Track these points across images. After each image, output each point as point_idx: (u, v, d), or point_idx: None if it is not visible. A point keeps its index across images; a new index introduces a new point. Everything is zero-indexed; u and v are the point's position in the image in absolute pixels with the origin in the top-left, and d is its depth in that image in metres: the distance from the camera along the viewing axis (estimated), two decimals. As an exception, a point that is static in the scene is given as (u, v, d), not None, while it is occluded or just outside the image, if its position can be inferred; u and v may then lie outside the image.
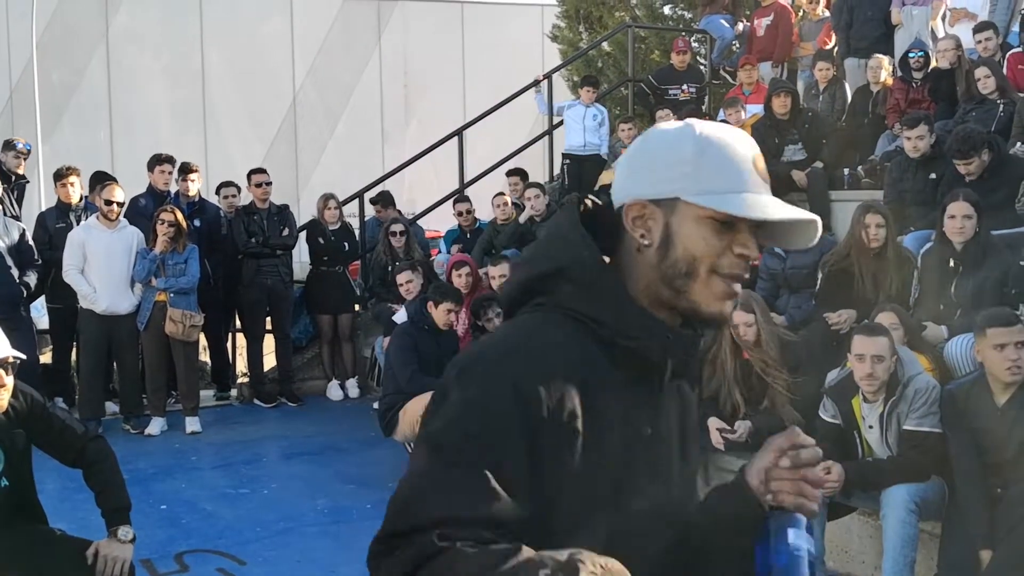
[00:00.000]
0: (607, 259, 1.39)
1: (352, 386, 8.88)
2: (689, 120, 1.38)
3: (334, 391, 8.85)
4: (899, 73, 8.65)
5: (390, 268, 8.69)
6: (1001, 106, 7.22)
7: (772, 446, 1.37)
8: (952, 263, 5.35)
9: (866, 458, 4.42)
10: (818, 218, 1.35)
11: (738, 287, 1.36)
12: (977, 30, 8.02)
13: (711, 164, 1.32)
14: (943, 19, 9.25)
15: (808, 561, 1.35)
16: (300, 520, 5.71)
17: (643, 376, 1.37)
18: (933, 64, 8.27)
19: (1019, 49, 7.70)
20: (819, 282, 5.94)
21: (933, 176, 6.65)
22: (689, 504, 1.46)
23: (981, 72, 7.34)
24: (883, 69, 8.75)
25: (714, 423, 5.27)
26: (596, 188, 9.50)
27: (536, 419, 1.24)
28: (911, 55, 8.33)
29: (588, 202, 1.43)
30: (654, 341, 1.34)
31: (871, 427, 4.37)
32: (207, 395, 8.54)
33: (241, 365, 9.29)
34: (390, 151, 21.39)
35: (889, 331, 4.37)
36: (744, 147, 1.35)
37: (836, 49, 9.77)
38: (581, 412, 1.27)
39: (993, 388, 4.09)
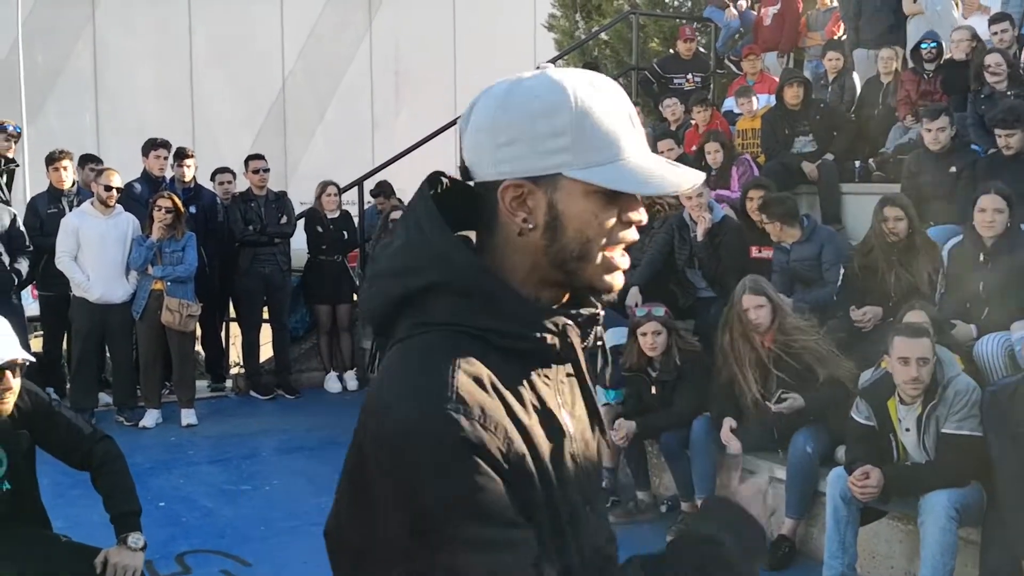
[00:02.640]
0: (475, 244, 1.25)
1: (351, 378, 8.68)
2: (550, 72, 1.21)
3: (332, 383, 8.65)
4: (910, 64, 8.51)
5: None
6: (1012, 96, 7.06)
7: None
8: (981, 258, 5.19)
9: (903, 462, 4.27)
10: (700, 176, 1.24)
11: (626, 257, 1.25)
12: (993, 21, 7.87)
13: (592, 132, 1.17)
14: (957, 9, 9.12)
15: None
16: (305, 519, 5.50)
17: (543, 368, 1.25)
18: (946, 55, 8.13)
19: (1037, 40, 7.56)
20: (841, 278, 5.78)
21: (953, 169, 6.50)
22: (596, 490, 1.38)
23: (992, 59, 7.19)
24: (893, 60, 8.60)
25: (727, 424, 5.11)
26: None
27: (494, 462, 1.13)
28: (923, 46, 8.17)
29: (443, 180, 1.27)
30: (554, 335, 1.23)
31: (908, 430, 4.22)
32: (201, 386, 8.31)
33: (234, 355, 9.08)
34: (380, 139, 21.12)
35: (929, 331, 4.22)
36: (620, 102, 1.21)
37: (845, 39, 9.60)
38: (517, 433, 1.16)
39: (1038, 391, 3.94)
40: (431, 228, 1.21)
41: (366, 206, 9.50)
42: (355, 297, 8.95)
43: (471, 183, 1.26)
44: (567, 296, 1.29)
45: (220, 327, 8.67)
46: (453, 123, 9.86)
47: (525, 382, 1.22)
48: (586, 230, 1.21)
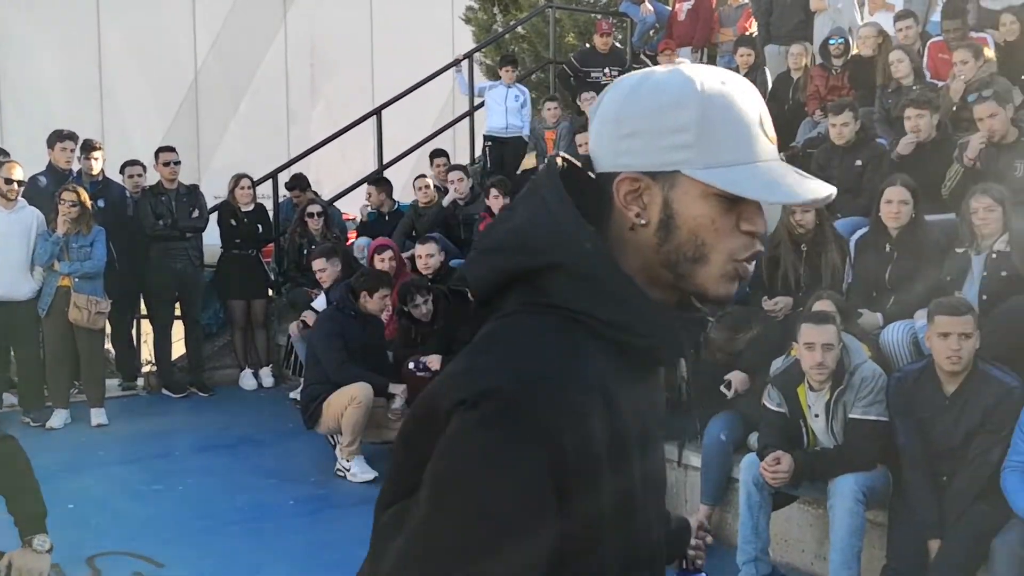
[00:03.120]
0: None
1: (266, 375, 8.55)
2: (684, 68, 1.16)
3: (247, 380, 8.50)
4: (819, 60, 8.71)
5: (305, 252, 8.40)
6: (916, 91, 7.28)
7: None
8: (887, 248, 5.35)
9: (812, 447, 4.38)
10: (833, 190, 1.17)
11: (751, 266, 1.20)
12: (897, 18, 8.11)
13: (717, 132, 1.13)
14: (861, 7, 9.37)
15: None
16: (220, 518, 5.42)
17: (648, 373, 1.23)
18: (854, 51, 8.34)
19: (939, 38, 7.80)
20: (753, 269, 5.87)
21: (859, 163, 6.68)
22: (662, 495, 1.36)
23: (895, 56, 7.41)
24: (803, 56, 8.80)
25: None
26: (519, 172, 9.36)
27: (563, 465, 1.05)
28: (831, 42, 8.37)
29: (563, 162, 1.22)
30: (669, 335, 1.18)
31: (817, 415, 4.33)
32: (111, 385, 8.08)
33: (145, 353, 8.87)
34: (296, 131, 20.90)
35: (835, 319, 4.33)
36: (750, 104, 1.16)
37: (756, 35, 9.79)
38: (608, 437, 1.10)
39: (941, 377, 4.07)
40: (560, 208, 1.15)
41: (281, 199, 9.35)
42: (270, 292, 8.83)
43: (592, 174, 1.22)
44: (674, 300, 1.23)
45: (130, 324, 8.46)
46: (369, 116, 9.80)
47: (628, 380, 1.17)
48: (701, 233, 1.16)
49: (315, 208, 8.49)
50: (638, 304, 1.15)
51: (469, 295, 1.27)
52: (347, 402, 5.80)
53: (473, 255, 1.22)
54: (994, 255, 4.88)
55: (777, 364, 4.62)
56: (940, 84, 7.42)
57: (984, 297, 4.80)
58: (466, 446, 1.05)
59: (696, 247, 1.16)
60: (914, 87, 7.26)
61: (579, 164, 1.22)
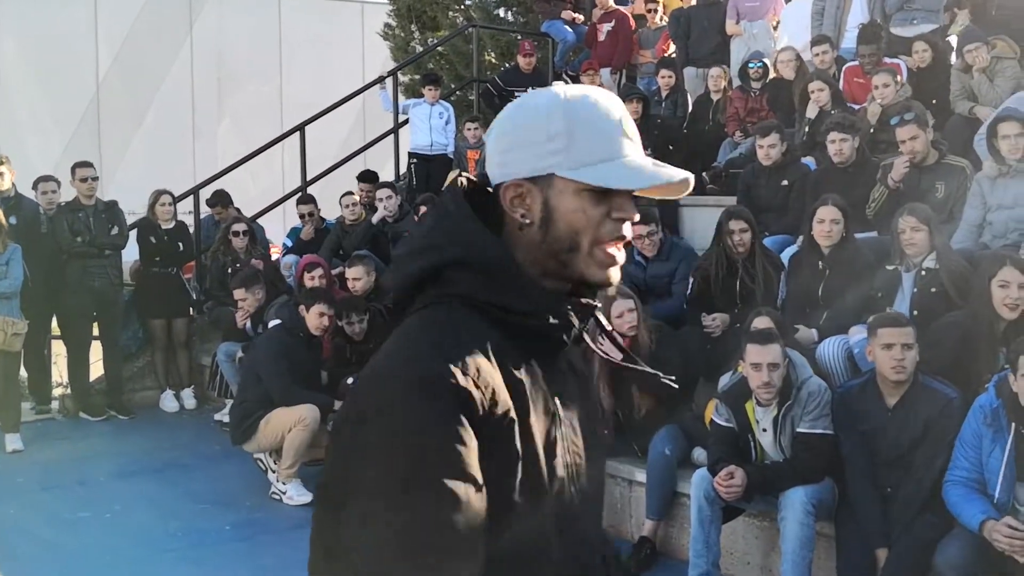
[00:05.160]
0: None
1: (188, 396, 8.34)
2: (554, 89, 1.37)
3: (168, 402, 8.27)
4: (737, 83, 8.94)
5: (229, 270, 8.22)
6: (838, 115, 7.52)
7: None
8: (820, 265, 5.51)
9: (761, 461, 4.47)
10: (690, 175, 1.35)
11: (621, 252, 1.38)
12: (814, 43, 8.37)
13: (583, 136, 1.33)
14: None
15: None
16: (154, 546, 5.25)
17: (548, 355, 1.38)
18: (772, 75, 8.58)
19: (855, 62, 8.08)
20: (690, 287, 5.99)
21: (785, 183, 6.88)
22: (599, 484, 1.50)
23: (815, 85, 7.64)
24: (722, 79, 9.02)
25: None
26: (444, 189, 9.33)
27: (477, 419, 1.21)
28: (751, 65, 8.60)
29: (465, 181, 1.41)
30: (555, 317, 1.35)
31: (765, 430, 4.42)
32: (24, 408, 7.74)
33: (56, 375, 8.54)
34: (201, 146, 20.45)
35: (779, 337, 4.43)
36: (612, 109, 1.36)
37: (675, 57, 9.99)
38: (512, 401, 1.26)
39: (883, 390, 4.21)
40: (459, 212, 1.35)
41: (202, 216, 9.14)
42: (191, 311, 8.61)
43: (490, 188, 1.40)
44: (570, 289, 1.40)
45: (43, 345, 8.14)
46: (291, 132, 9.68)
47: (526, 360, 1.32)
48: (575, 224, 1.34)
49: (240, 227, 8.32)
50: (526, 290, 1.34)
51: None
52: (292, 423, 5.69)
53: (393, 263, 1.45)
54: (923, 272, 5.07)
55: (725, 380, 4.71)
56: (857, 107, 7.70)
57: (915, 312, 4.98)
58: (378, 423, 1.20)
59: (571, 237, 1.35)
60: (832, 111, 7.51)
61: (478, 182, 1.41)
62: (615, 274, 1.38)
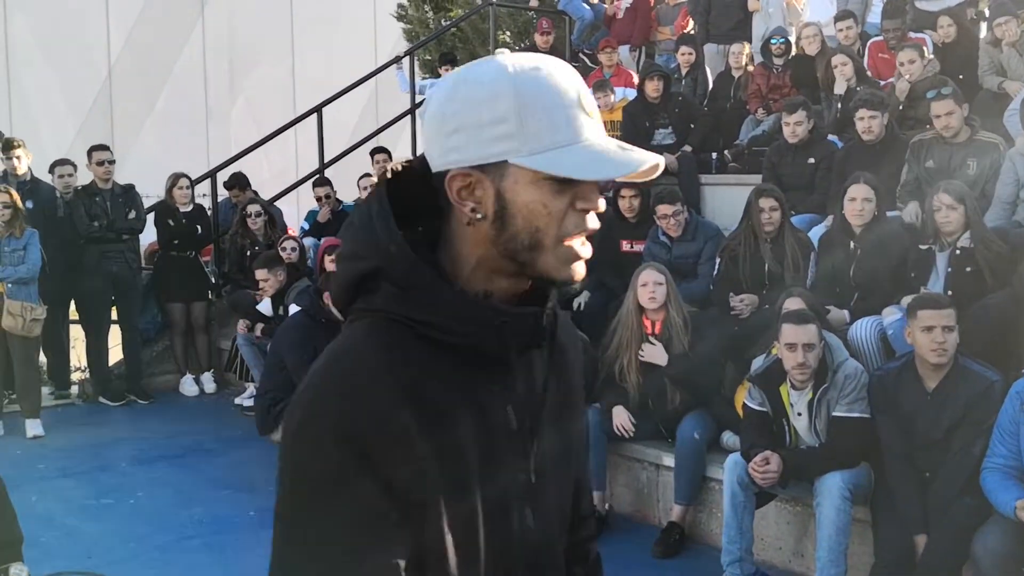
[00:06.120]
0: (432, 240, 1.23)
1: (208, 380, 8.29)
2: (499, 59, 1.17)
3: (188, 386, 8.23)
4: (759, 59, 8.79)
5: (248, 253, 8.16)
6: (866, 92, 7.39)
7: None
8: (851, 245, 5.40)
9: (795, 446, 4.38)
10: (660, 159, 1.18)
11: (587, 247, 1.21)
12: (838, 19, 8.23)
13: (536, 117, 1.13)
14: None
15: None
16: (177, 533, 5.20)
17: (484, 364, 1.22)
18: (795, 51, 8.44)
19: (879, 37, 7.93)
20: (717, 267, 5.90)
21: (812, 160, 6.76)
22: (563, 473, 1.37)
23: (839, 60, 7.51)
24: (744, 55, 8.88)
25: (620, 413, 5.16)
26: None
27: (369, 457, 1.12)
28: (773, 41, 8.46)
29: (397, 168, 1.25)
30: (487, 331, 1.19)
31: (799, 414, 4.34)
32: (44, 393, 7.73)
33: (75, 360, 8.50)
34: (214, 129, 20.38)
35: (815, 317, 4.34)
36: (567, 84, 1.16)
37: (696, 33, 9.84)
38: (416, 423, 1.14)
39: (922, 373, 4.11)
40: (378, 214, 1.19)
41: (220, 199, 9.06)
42: (210, 294, 8.56)
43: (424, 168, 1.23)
44: (530, 285, 1.25)
45: (62, 330, 8.10)
46: (309, 114, 9.59)
47: (454, 375, 1.19)
48: (535, 219, 1.16)
49: (254, 208, 8.25)
50: (448, 303, 1.17)
51: None
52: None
53: (335, 266, 1.29)
54: (958, 251, 4.96)
55: (758, 363, 4.61)
56: (882, 83, 7.56)
57: (949, 292, 4.87)
58: (284, 462, 1.16)
59: (531, 234, 1.17)
60: (858, 88, 7.37)
61: (414, 167, 1.23)
62: (580, 269, 1.21)
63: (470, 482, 1.19)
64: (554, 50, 10.06)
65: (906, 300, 4.73)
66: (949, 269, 4.98)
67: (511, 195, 1.16)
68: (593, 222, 1.20)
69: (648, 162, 1.15)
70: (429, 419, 1.15)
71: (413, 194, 1.22)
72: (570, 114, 1.15)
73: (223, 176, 9.08)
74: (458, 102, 1.16)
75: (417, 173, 1.22)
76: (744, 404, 4.53)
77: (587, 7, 10.64)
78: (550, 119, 1.14)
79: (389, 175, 1.23)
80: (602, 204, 1.20)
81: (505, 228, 1.17)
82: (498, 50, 1.24)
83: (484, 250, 1.20)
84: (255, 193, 8.95)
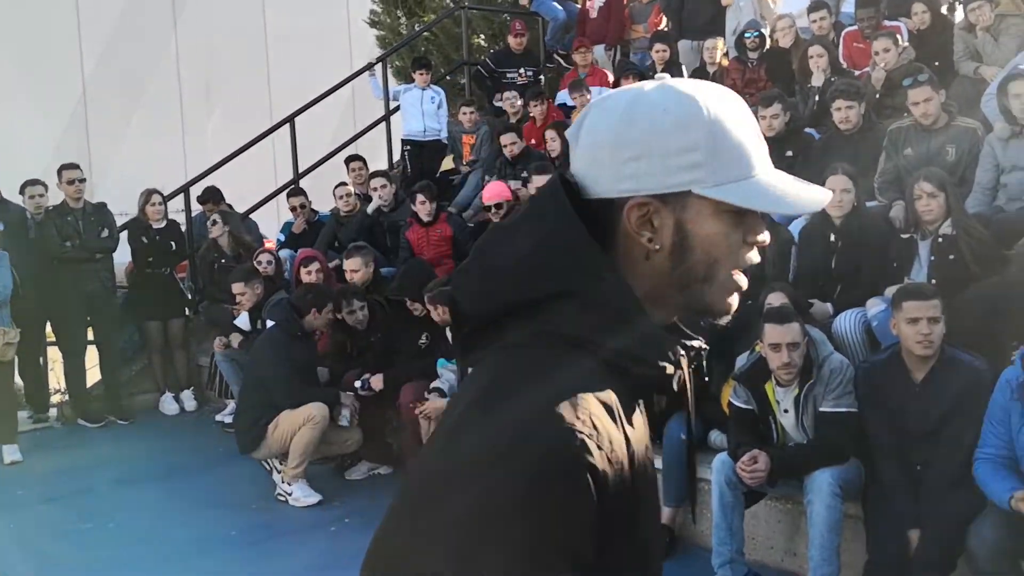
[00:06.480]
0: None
1: (188, 398, 8.19)
2: (677, 86, 1.12)
3: (168, 405, 8.12)
4: (734, 53, 8.75)
5: (216, 267, 8.06)
6: (842, 82, 7.34)
7: None
8: (832, 237, 5.34)
9: (782, 443, 4.32)
10: (829, 192, 1.17)
11: (745, 278, 1.16)
12: (811, 9, 8.18)
13: (725, 147, 1.10)
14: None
15: None
16: (160, 555, 5.11)
17: (647, 399, 1.20)
18: (769, 44, 8.40)
19: (854, 27, 7.90)
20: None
21: (789, 153, 6.70)
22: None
23: (814, 51, 7.46)
24: (718, 50, 8.83)
25: None
26: (438, 174, 9.17)
27: (598, 500, 1.00)
28: (747, 35, 8.42)
29: (563, 183, 1.15)
30: (671, 363, 1.13)
31: (786, 411, 4.27)
32: (21, 417, 7.59)
33: (53, 382, 8.38)
34: (191, 142, 20.25)
35: (798, 314, 4.27)
36: (748, 116, 1.14)
37: (669, 30, 9.79)
38: (628, 466, 1.06)
39: (909, 365, 4.05)
40: (573, 234, 1.09)
41: (194, 213, 8.95)
42: (187, 311, 8.44)
43: (584, 199, 1.15)
44: (676, 317, 1.20)
45: (37, 352, 7.97)
46: (282, 124, 9.50)
47: (634, 410, 1.14)
48: (715, 251, 1.13)
49: (215, 217, 8.15)
50: (650, 333, 1.12)
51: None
52: (301, 422, 5.54)
53: (466, 276, 1.14)
54: (940, 239, 4.91)
55: (742, 360, 4.54)
56: (857, 73, 7.52)
57: (933, 281, 4.82)
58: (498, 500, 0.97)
59: (708, 266, 1.13)
60: (833, 78, 7.33)
61: (573, 186, 1.15)
62: (736, 301, 1.17)
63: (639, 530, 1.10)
64: (528, 51, 10.00)
65: (890, 291, 4.68)
66: (932, 258, 4.93)
67: (693, 226, 1.12)
68: (757, 256, 1.17)
69: (826, 199, 1.15)
70: (632, 463, 1.07)
71: (580, 213, 1.13)
72: (753, 145, 1.13)
73: (198, 191, 8.96)
74: (640, 127, 1.10)
75: (575, 194, 1.14)
76: (730, 402, 4.46)
77: (559, 7, 10.58)
78: (737, 151, 1.11)
79: (561, 187, 1.13)
80: (768, 237, 1.18)
81: (683, 260, 1.12)
82: (658, 75, 1.21)
83: (655, 282, 1.14)
84: (229, 206, 8.84)
